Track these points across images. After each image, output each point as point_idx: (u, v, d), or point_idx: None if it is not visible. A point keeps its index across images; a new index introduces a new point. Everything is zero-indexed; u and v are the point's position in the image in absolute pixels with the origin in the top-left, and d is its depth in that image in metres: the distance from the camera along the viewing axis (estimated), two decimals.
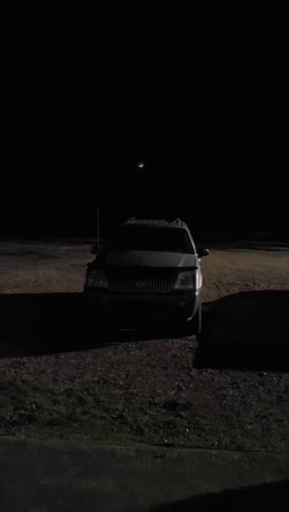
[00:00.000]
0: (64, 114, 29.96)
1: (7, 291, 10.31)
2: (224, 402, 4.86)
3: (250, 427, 4.31)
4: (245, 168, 30.88)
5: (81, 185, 29.74)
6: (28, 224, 25.81)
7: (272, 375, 5.56)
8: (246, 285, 11.30)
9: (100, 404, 4.75)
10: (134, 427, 4.28)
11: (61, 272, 13.07)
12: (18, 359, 5.96)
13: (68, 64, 31.14)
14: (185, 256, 7.70)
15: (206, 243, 11.51)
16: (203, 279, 7.77)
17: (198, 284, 7.12)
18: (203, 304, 7.75)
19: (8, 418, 4.36)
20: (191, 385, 5.27)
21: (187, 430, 4.23)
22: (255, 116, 30.27)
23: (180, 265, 7.23)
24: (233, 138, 30.74)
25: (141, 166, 31.64)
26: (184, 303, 6.83)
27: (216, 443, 4.02)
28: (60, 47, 30.48)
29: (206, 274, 10.82)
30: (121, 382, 5.32)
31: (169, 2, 30.11)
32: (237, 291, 10.64)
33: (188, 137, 30.71)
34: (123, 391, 5.08)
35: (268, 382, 5.37)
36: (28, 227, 25.24)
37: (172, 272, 6.99)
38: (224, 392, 5.11)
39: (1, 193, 26.24)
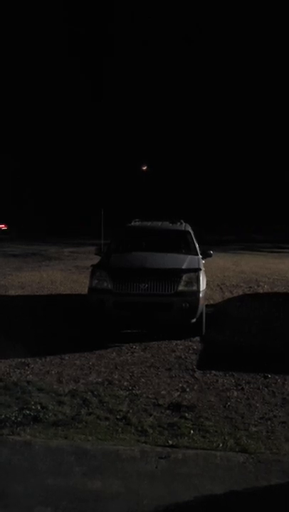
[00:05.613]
0: (69, 118, 30.09)
1: (11, 292, 10.35)
2: (228, 403, 4.86)
3: (254, 429, 4.31)
4: (246, 170, 30.97)
5: (85, 187, 29.88)
6: (32, 225, 25.88)
7: (276, 377, 5.56)
8: (250, 287, 11.29)
9: (105, 405, 4.75)
10: (139, 428, 4.28)
11: (65, 274, 13.09)
12: (23, 360, 5.98)
13: (74, 69, 31.36)
14: (189, 257, 7.70)
15: (210, 245, 11.53)
16: (207, 281, 7.77)
17: (203, 285, 7.11)
18: (207, 305, 7.74)
19: (13, 418, 4.38)
20: (195, 387, 5.27)
21: (192, 432, 4.23)
22: (256, 120, 30.35)
23: (184, 267, 7.23)
24: (235, 140, 30.87)
25: (144, 168, 31.75)
26: (188, 304, 6.83)
27: (221, 445, 4.02)
28: (66, 52, 30.76)
29: (210, 276, 10.80)
30: (125, 384, 5.33)
31: (169, 5, 30.33)
32: (241, 293, 10.63)
33: (191, 140, 30.81)
34: (127, 392, 5.09)
35: (273, 385, 5.36)
36: (32, 229, 25.31)
37: (176, 274, 6.99)
38: (228, 394, 5.11)
39: (5, 195, 26.37)
